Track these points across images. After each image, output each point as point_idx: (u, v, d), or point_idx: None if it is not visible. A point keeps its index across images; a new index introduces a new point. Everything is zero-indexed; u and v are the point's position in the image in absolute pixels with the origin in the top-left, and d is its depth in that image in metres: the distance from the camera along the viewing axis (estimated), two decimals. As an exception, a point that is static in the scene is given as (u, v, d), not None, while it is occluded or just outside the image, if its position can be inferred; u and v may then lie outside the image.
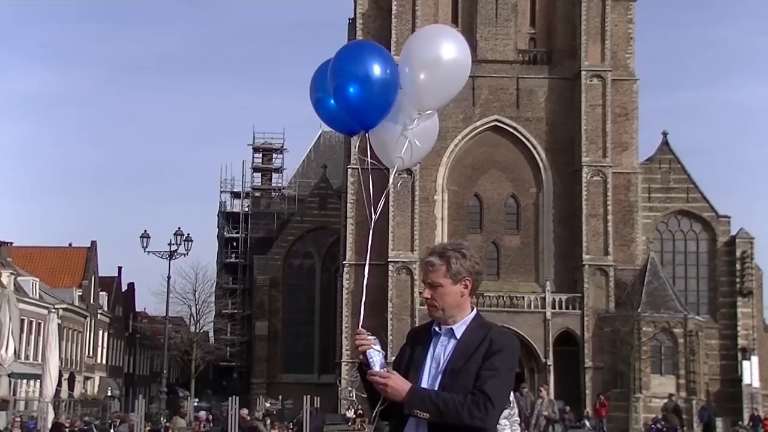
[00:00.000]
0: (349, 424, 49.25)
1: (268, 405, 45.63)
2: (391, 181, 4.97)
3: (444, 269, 3.95)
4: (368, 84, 4.68)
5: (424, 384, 3.87)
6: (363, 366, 3.95)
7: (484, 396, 3.72)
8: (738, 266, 60.49)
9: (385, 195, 5.02)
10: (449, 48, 4.80)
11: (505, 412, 7.86)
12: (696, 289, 61.38)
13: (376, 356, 3.90)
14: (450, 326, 3.95)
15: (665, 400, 39.03)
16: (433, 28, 5.09)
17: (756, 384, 56.27)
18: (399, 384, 3.79)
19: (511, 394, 8.25)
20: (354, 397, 55.32)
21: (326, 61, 4.91)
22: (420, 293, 55.85)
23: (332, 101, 4.85)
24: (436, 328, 3.99)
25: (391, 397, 3.79)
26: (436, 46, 4.78)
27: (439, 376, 3.85)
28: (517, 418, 8.45)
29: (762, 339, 60.98)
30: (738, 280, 60.37)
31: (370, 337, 3.98)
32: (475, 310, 4.02)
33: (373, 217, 4.78)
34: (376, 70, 4.68)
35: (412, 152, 4.96)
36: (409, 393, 3.76)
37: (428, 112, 5.02)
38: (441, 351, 3.92)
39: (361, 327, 4.10)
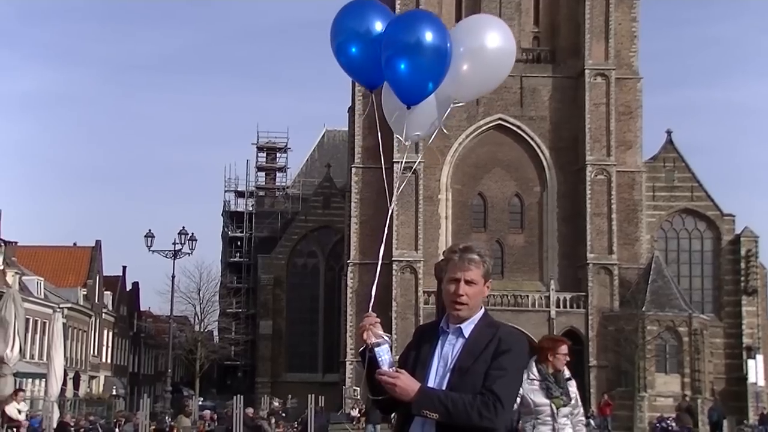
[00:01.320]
0: (354, 423, 49.30)
1: (276, 404, 45.72)
2: (400, 171, 4.95)
3: (482, 268, 3.97)
4: (421, 60, 4.47)
5: (431, 382, 3.85)
6: (366, 351, 3.92)
7: (493, 396, 3.70)
8: (743, 265, 60.39)
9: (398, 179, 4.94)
10: (495, 37, 4.65)
11: (565, 410, 7.94)
12: (701, 288, 61.29)
13: (385, 354, 3.86)
14: (458, 325, 3.94)
15: (675, 400, 38.98)
16: (479, 18, 4.95)
17: (761, 382, 56.16)
18: (408, 384, 3.76)
19: (575, 391, 8.17)
20: (358, 396, 55.40)
21: (353, 2, 4.72)
22: (425, 292, 56.06)
23: (355, 51, 4.63)
24: (444, 327, 3.98)
25: (400, 396, 3.76)
26: (482, 36, 4.63)
27: (447, 375, 3.84)
28: (582, 418, 8.31)
29: (767, 337, 60.88)
30: (743, 278, 60.28)
31: (379, 332, 3.94)
32: (483, 309, 4.02)
33: (396, 192, 4.73)
34: (436, 46, 4.47)
35: (429, 133, 4.86)
36: (418, 393, 3.74)
37: (459, 103, 4.89)
38: (449, 349, 3.91)
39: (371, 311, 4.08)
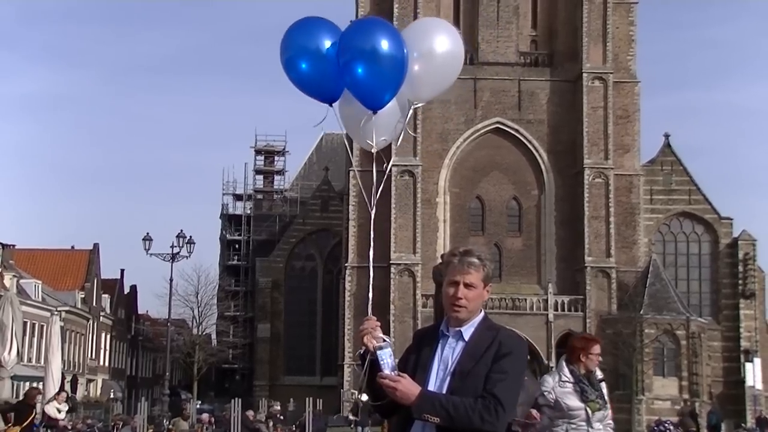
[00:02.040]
0: (352, 426, 49.23)
1: (278, 407, 45.61)
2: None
3: (481, 272, 3.97)
4: (382, 65, 4.65)
5: (432, 386, 3.85)
6: (365, 353, 3.93)
7: (494, 400, 3.71)
8: (740, 268, 60.43)
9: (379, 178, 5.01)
10: (443, 40, 4.85)
11: (599, 415, 7.51)
12: (698, 291, 61.33)
13: (386, 358, 3.86)
14: (458, 328, 3.94)
15: (673, 403, 38.91)
16: (428, 21, 5.16)
17: (759, 386, 56.15)
18: (409, 388, 3.76)
19: (605, 392, 7.72)
20: (356, 400, 55.35)
21: (305, 18, 4.85)
22: (423, 295, 56.05)
23: (305, 66, 4.77)
24: (444, 330, 3.98)
25: (401, 400, 3.77)
26: (430, 38, 4.84)
27: (447, 378, 3.84)
28: (611, 422, 7.87)
29: (765, 341, 60.89)
30: (740, 281, 60.32)
31: (380, 335, 3.95)
32: (482, 313, 4.02)
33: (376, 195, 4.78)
34: (390, 49, 4.66)
35: (389, 138, 4.99)
36: (419, 397, 3.74)
37: (418, 104, 5.08)
38: (449, 353, 3.91)
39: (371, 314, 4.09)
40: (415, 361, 3.96)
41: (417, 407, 3.73)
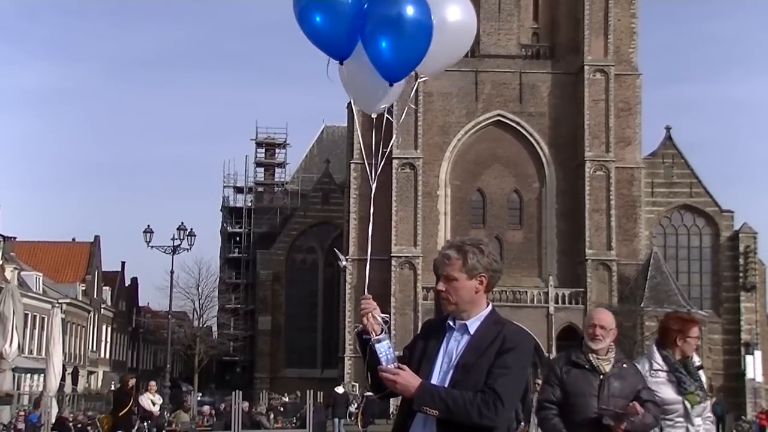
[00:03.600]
0: (352, 419, 49.30)
1: (286, 399, 45.71)
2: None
3: (460, 263, 3.90)
4: (408, 38, 4.36)
5: (435, 378, 3.84)
6: (363, 334, 3.91)
7: (494, 395, 3.68)
8: (741, 261, 60.44)
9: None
10: (456, 10, 4.57)
11: (699, 408, 6.36)
12: (699, 284, 61.35)
13: (384, 350, 3.84)
14: (464, 321, 3.91)
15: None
16: None
17: (759, 378, 56.23)
18: (409, 380, 3.75)
19: (704, 381, 6.50)
20: (357, 392, 55.43)
21: None
22: (423, 288, 56.10)
23: (319, 19, 4.45)
24: (451, 323, 3.95)
25: (401, 392, 3.76)
26: (443, 7, 4.54)
27: (451, 371, 3.82)
28: (710, 414, 6.61)
29: (765, 334, 60.94)
30: (741, 274, 60.33)
31: (379, 316, 3.92)
32: (490, 306, 3.97)
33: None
34: (417, 17, 4.35)
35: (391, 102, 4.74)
36: (418, 389, 3.72)
37: (424, 78, 4.80)
38: (454, 346, 3.89)
39: (367, 293, 4.05)
40: (421, 352, 3.94)
41: (417, 399, 3.72)
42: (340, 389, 35.25)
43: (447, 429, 3.72)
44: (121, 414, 17.05)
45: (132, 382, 18.32)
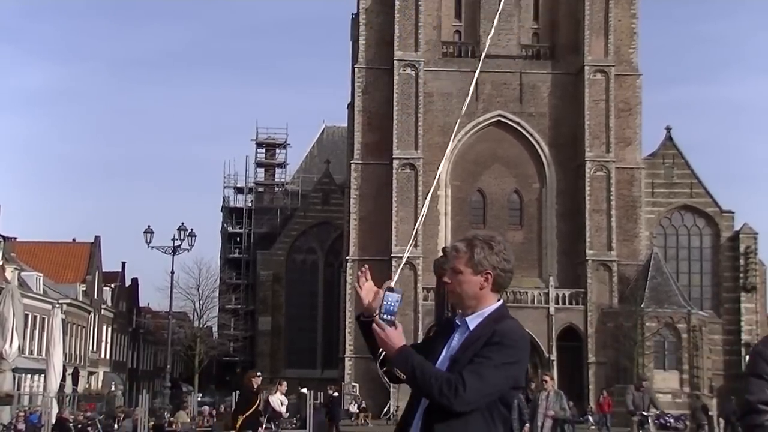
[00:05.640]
0: (353, 419, 49.36)
1: (295, 396, 45.56)
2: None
3: (467, 257, 3.89)
4: None
5: None
6: (362, 316, 3.94)
7: (460, 378, 3.66)
8: (742, 261, 60.44)
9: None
10: None
11: None
12: (699, 285, 61.33)
13: (392, 300, 3.83)
14: (465, 318, 3.92)
15: (674, 396, 38.74)
16: None
17: (759, 379, 56.15)
18: (393, 339, 3.78)
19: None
20: (357, 392, 55.44)
21: None
22: (424, 288, 56.12)
23: None
24: (457, 321, 3.96)
25: (382, 347, 3.80)
26: None
27: (446, 365, 3.83)
28: None
29: (765, 334, 60.88)
30: (742, 275, 60.32)
31: (371, 297, 3.92)
32: (498, 303, 3.93)
33: None
34: None
35: None
36: (398, 350, 3.76)
37: None
38: (455, 342, 3.90)
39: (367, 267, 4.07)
40: (431, 348, 3.95)
41: (394, 359, 3.76)
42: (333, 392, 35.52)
43: (431, 417, 3.74)
44: (247, 414, 16.25)
45: (257, 380, 16.87)
